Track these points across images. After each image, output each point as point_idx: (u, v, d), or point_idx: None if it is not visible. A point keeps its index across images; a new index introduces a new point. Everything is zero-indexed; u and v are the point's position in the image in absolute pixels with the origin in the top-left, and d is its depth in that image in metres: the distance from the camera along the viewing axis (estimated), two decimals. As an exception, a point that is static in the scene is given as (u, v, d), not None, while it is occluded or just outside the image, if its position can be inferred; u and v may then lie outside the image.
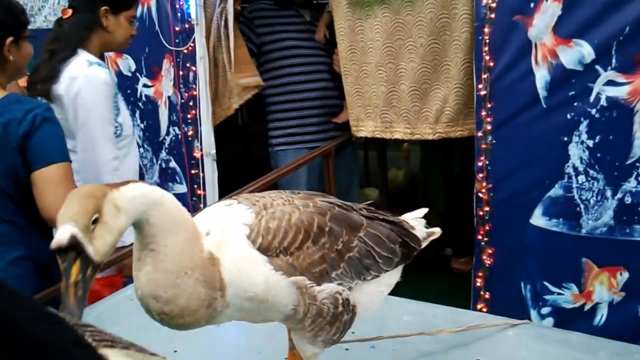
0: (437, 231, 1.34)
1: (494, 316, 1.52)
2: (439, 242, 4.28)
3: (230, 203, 1.07)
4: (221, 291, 0.96)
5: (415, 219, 1.32)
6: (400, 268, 1.24)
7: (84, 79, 2.19)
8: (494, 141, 2.59)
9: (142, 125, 3.58)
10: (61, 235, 0.80)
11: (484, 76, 2.56)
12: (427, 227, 1.33)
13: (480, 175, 2.65)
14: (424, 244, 1.29)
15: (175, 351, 1.36)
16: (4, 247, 1.84)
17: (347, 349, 1.40)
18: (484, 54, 2.52)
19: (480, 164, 2.64)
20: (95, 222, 0.82)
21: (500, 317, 1.50)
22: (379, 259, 1.14)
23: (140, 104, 3.56)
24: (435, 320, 1.49)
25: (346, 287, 1.08)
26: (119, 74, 3.56)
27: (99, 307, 1.72)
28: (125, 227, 0.88)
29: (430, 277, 3.37)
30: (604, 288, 2.45)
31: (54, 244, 0.80)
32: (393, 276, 1.22)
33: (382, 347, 1.40)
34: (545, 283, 2.55)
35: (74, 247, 0.80)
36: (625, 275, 2.40)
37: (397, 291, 1.27)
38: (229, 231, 1.00)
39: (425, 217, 1.30)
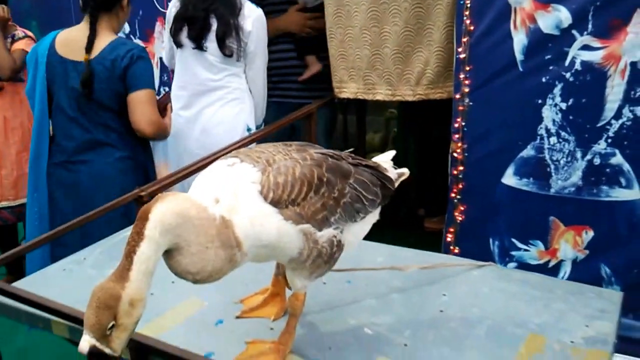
0: (405, 172, 1.42)
1: (461, 258, 1.62)
2: (412, 202, 4.38)
3: (233, 162, 1.13)
4: (238, 247, 1.05)
5: (387, 163, 1.40)
6: (379, 209, 1.33)
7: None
8: (470, 103, 2.67)
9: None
10: (83, 345, 0.93)
11: (464, 40, 2.62)
12: (395, 168, 1.41)
13: (456, 135, 2.73)
14: (396, 184, 1.37)
15: (172, 282, 1.44)
16: (113, 149, 2.53)
17: (324, 283, 1.49)
18: (465, 17, 2.58)
19: (456, 125, 2.72)
20: (112, 327, 0.93)
21: (466, 259, 1.60)
22: (366, 202, 1.23)
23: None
24: (406, 261, 1.58)
25: (340, 230, 1.18)
26: None
27: (105, 244, 1.80)
28: (140, 314, 0.97)
29: (404, 236, 3.46)
30: (569, 246, 2.56)
31: (80, 349, 0.93)
32: (374, 216, 1.32)
33: (357, 282, 1.49)
34: (513, 240, 2.66)
35: (94, 353, 0.93)
36: (590, 234, 2.51)
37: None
38: (241, 192, 1.07)
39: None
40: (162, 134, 2.59)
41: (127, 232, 1.87)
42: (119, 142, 2.54)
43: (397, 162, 1.44)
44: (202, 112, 2.88)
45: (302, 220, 1.10)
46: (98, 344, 0.92)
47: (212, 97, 2.87)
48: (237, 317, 1.38)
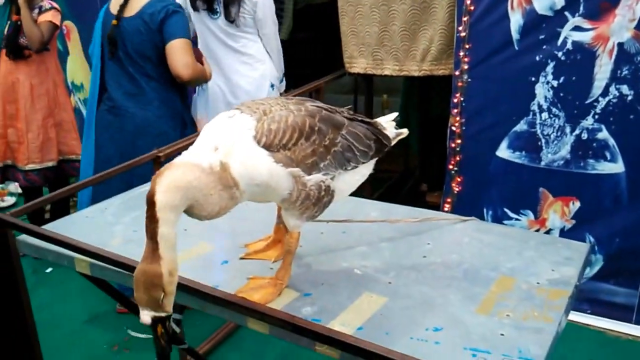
0: (404, 132, 1.55)
1: (446, 213, 1.77)
2: (416, 179, 4.51)
3: (234, 114, 1.27)
4: (236, 186, 1.20)
5: (387, 122, 1.54)
6: (373, 161, 1.46)
7: None
8: (469, 79, 2.81)
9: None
10: (145, 319, 1.09)
11: (465, 19, 2.75)
12: (396, 129, 1.55)
13: (455, 110, 2.87)
14: (393, 142, 1.51)
15: (185, 230, 1.61)
16: (153, 96, 2.80)
17: (322, 233, 1.65)
18: (466, -3, 2.71)
19: (455, 100, 2.86)
20: (162, 298, 1.09)
21: (451, 215, 1.75)
22: (357, 153, 1.36)
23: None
24: (398, 216, 1.73)
25: (330, 176, 1.31)
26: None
27: (124, 197, 1.97)
28: (177, 275, 1.13)
29: (406, 210, 3.62)
30: (557, 216, 2.71)
31: (143, 322, 1.10)
32: (367, 167, 1.45)
33: (351, 232, 1.64)
34: (505, 209, 2.81)
35: (157, 321, 1.10)
36: (577, 204, 2.66)
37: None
38: (237, 138, 1.21)
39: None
40: (200, 77, 2.81)
41: (143, 187, 2.03)
42: (158, 90, 2.81)
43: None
44: (229, 78, 3.12)
45: (292, 163, 1.23)
46: (156, 314, 1.09)
47: (235, 62, 3.12)
48: (241, 258, 1.54)
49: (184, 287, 1.29)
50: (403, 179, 4.46)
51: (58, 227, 1.70)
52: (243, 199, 1.23)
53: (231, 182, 1.19)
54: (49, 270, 3.39)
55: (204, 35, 3.14)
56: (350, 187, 1.39)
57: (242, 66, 3.11)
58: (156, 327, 1.11)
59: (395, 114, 1.59)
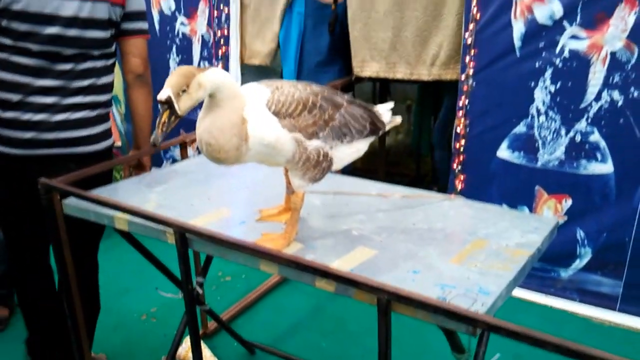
0: (398, 119, 1.80)
1: (436, 192, 2.01)
2: (427, 182, 4.74)
3: (258, 86, 1.56)
4: (245, 140, 1.47)
5: (384, 109, 1.79)
6: (369, 139, 1.70)
7: None
8: (474, 84, 3.04)
9: (177, 59, 4.07)
10: (162, 94, 1.36)
11: (471, 26, 2.98)
12: (393, 116, 1.79)
13: (460, 113, 3.11)
14: (388, 127, 1.75)
15: (208, 198, 1.88)
16: None
17: (326, 204, 1.89)
18: (473, 6, 2.94)
19: (461, 103, 3.09)
20: (184, 91, 1.38)
21: (441, 194, 1.98)
22: (353, 130, 1.62)
23: (177, 40, 4.05)
24: (395, 193, 1.97)
25: (328, 145, 1.57)
26: (161, 13, 4.06)
27: (155, 173, 2.24)
28: (202, 97, 1.42)
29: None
30: (550, 212, 2.92)
31: (159, 97, 1.36)
32: (362, 143, 1.69)
33: (352, 204, 1.88)
34: (504, 205, 3.02)
35: (168, 102, 1.37)
36: (569, 202, 2.87)
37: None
38: (255, 104, 1.49)
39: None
40: None
41: (172, 166, 2.30)
42: None
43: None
44: None
45: (295, 129, 1.50)
46: (172, 96, 1.36)
47: None
48: (257, 220, 1.79)
49: (209, 238, 1.54)
50: (415, 182, 4.70)
51: (98, 193, 1.97)
52: (247, 156, 1.49)
53: (244, 134, 1.45)
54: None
55: None
56: (346, 157, 1.64)
57: None
58: (164, 111, 1.37)
59: (392, 104, 1.84)
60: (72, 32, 2.05)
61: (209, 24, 3.85)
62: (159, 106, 1.39)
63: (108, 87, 2.25)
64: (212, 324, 2.84)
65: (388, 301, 1.22)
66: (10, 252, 2.31)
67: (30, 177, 2.03)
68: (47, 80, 2.07)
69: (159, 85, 1.51)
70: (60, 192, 1.89)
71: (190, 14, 3.93)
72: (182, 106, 1.39)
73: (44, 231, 2.02)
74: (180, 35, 4.03)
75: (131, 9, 2.20)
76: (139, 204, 1.86)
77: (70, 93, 2.11)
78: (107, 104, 2.27)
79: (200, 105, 1.50)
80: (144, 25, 2.27)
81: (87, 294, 2.31)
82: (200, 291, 2.31)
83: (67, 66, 2.08)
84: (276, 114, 1.49)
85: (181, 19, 4.00)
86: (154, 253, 2.16)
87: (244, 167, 1.76)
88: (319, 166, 1.56)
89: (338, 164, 1.63)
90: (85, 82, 2.13)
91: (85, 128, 2.17)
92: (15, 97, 2.05)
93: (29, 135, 2.07)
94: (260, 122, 1.47)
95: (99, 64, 2.17)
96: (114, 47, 2.24)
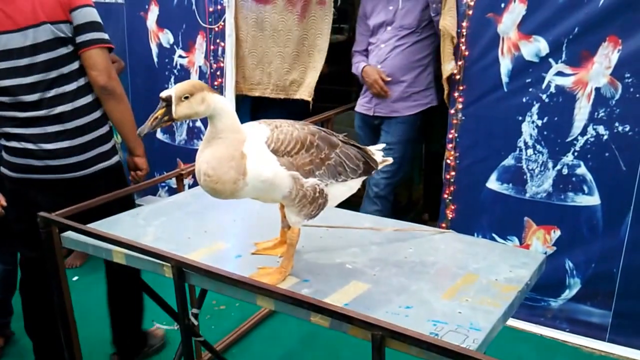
0: (389, 160, 1.87)
1: (426, 226, 2.06)
2: (418, 209, 4.79)
3: (258, 124, 1.62)
4: (243, 175, 1.51)
5: (376, 150, 1.85)
6: (361, 179, 1.76)
7: None
8: (463, 118, 3.11)
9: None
10: (166, 92, 1.44)
11: (460, 63, 3.07)
12: (383, 157, 1.86)
13: (450, 145, 3.18)
14: (380, 167, 1.81)
15: (205, 231, 1.91)
16: None
17: (321, 237, 1.95)
18: (461, 44, 3.03)
19: (450, 136, 3.16)
20: (186, 98, 1.44)
21: (431, 227, 2.04)
22: (347, 169, 1.68)
23: (175, 71, 4.15)
24: (387, 226, 2.02)
25: (324, 183, 1.62)
26: (160, 46, 4.19)
27: (153, 205, 2.27)
28: (201, 113, 1.47)
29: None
30: (539, 242, 2.98)
31: (161, 94, 1.44)
32: (356, 182, 1.75)
33: (346, 237, 1.93)
34: (494, 235, 3.08)
35: (167, 101, 1.43)
36: (558, 233, 2.93)
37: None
38: (255, 141, 1.55)
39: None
40: None
41: (169, 198, 2.35)
42: None
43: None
44: None
45: (293, 167, 1.55)
46: (173, 99, 1.42)
47: None
48: (252, 254, 1.84)
49: (205, 272, 1.58)
50: (407, 209, 4.75)
51: (96, 227, 2.01)
52: (243, 191, 1.54)
53: (242, 169, 1.50)
54: (75, 278, 3.69)
55: None
56: (340, 195, 1.70)
57: None
58: (161, 108, 1.43)
59: (383, 145, 1.91)
60: (25, 62, 2.21)
61: (206, 57, 3.94)
62: (160, 102, 1.45)
63: (85, 109, 2.34)
64: (206, 354, 2.85)
65: (382, 337, 1.26)
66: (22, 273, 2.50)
67: (32, 199, 2.29)
68: (28, 112, 2.25)
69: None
70: (58, 225, 1.93)
71: (189, 47, 4.02)
72: (178, 111, 1.44)
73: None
74: (179, 67, 4.11)
75: (78, 22, 2.26)
76: (136, 238, 1.89)
77: (50, 122, 2.27)
78: (94, 127, 2.37)
79: (201, 137, 1.56)
80: (96, 35, 2.30)
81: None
82: (195, 322, 2.33)
83: (34, 97, 2.24)
84: (275, 151, 1.55)
85: (179, 51, 4.10)
86: (147, 281, 2.20)
87: (239, 199, 1.82)
88: (315, 202, 1.61)
89: (332, 202, 1.68)
90: (59, 109, 2.28)
91: (75, 155, 2.32)
92: (11, 130, 2.28)
93: (25, 161, 2.30)
94: (259, 158, 1.53)
95: (68, 88, 2.28)
96: (77, 65, 2.31)
